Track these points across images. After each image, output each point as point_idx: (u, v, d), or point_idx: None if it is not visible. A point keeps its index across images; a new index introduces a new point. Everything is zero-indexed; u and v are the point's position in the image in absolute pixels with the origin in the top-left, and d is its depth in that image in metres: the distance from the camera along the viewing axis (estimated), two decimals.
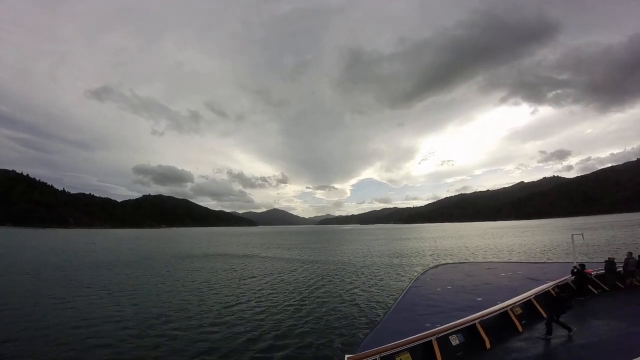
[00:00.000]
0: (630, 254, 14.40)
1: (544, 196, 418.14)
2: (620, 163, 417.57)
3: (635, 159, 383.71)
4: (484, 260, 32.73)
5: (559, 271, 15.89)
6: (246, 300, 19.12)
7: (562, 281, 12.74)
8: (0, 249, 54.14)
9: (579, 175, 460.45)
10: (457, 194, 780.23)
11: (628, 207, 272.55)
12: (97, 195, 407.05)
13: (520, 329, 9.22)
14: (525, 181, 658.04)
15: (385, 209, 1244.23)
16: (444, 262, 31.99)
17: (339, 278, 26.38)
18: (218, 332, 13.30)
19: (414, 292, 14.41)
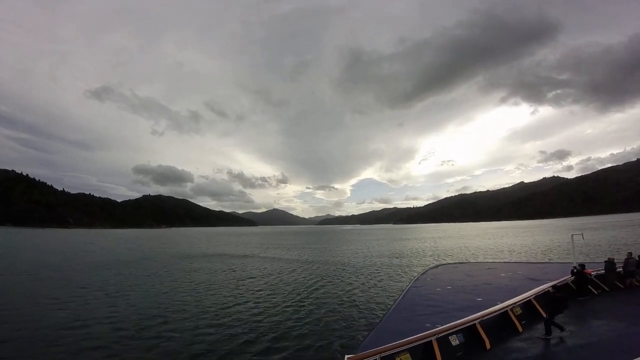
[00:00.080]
0: (630, 254, 14.40)
1: (544, 196, 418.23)
2: (620, 163, 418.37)
3: (635, 159, 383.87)
4: (484, 261, 32.60)
5: (559, 271, 15.85)
6: (244, 301, 18.92)
7: (561, 281, 12.69)
8: None
9: (579, 175, 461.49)
10: (457, 194, 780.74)
11: (628, 207, 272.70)
12: (97, 195, 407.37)
13: (520, 329, 9.20)
14: (526, 181, 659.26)
15: (385, 209, 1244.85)
16: (444, 262, 31.85)
17: (339, 279, 26.20)
18: (215, 334, 13.09)
19: (414, 292, 14.35)
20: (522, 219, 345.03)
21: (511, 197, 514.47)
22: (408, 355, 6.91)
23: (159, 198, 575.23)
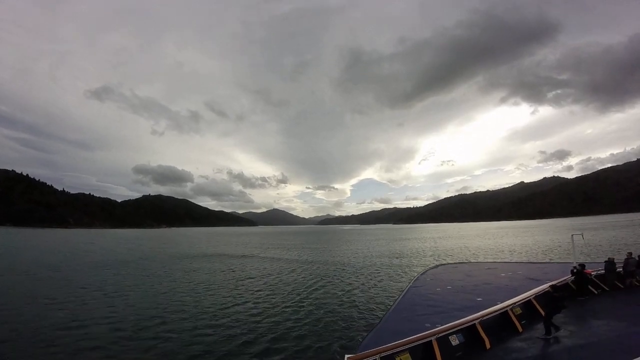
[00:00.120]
0: (630, 254, 14.39)
1: (544, 196, 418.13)
2: (620, 163, 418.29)
3: (635, 159, 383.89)
4: (484, 261, 32.53)
5: (559, 271, 15.82)
6: (243, 301, 18.81)
7: (561, 281, 12.67)
8: None
9: (579, 175, 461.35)
10: (457, 194, 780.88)
11: (628, 207, 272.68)
12: (97, 195, 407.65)
13: (520, 329, 9.20)
14: (526, 181, 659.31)
15: (385, 209, 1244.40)
16: (444, 262, 31.77)
17: (339, 279, 26.10)
18: (213, 335, 12.99)
19: (413, 292, 14.31)
20: (522, 219, 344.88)
21: (511, 197, 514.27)
22: (408, 355, 6.90)
23: (159, 198, 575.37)
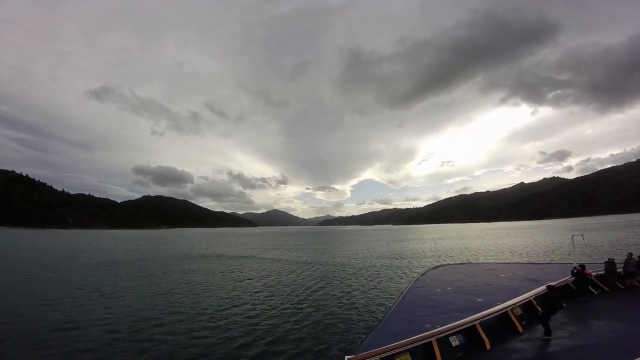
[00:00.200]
0: (630, 254, 14.38)
1: (544, 197, 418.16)
2: (620, 164, 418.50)
3: (635, 159, 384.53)
4: (484, 262, 32.36)
5: (559, 272, 15.78)
6: (242, 303, 18.60)
7: (560, 282, 12.64)
8: None
9: (579, 176, 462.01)
10: (457, 194, 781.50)
11: (628, 208, 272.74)
12: (97, 196, 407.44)
13: (520, 329, 9.18)
14: (525, 182, 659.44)
15: (385, 209, 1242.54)
16: (444, 263, 31.59)
17: (338, 280, 25.90)
18: (210, 337, 12.78)
19: (413, 293, 14.20)
20: (522, 220, 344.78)
21: (511, 197, 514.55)
22: (408, 356, 6.89)
23: (158, 199, 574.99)
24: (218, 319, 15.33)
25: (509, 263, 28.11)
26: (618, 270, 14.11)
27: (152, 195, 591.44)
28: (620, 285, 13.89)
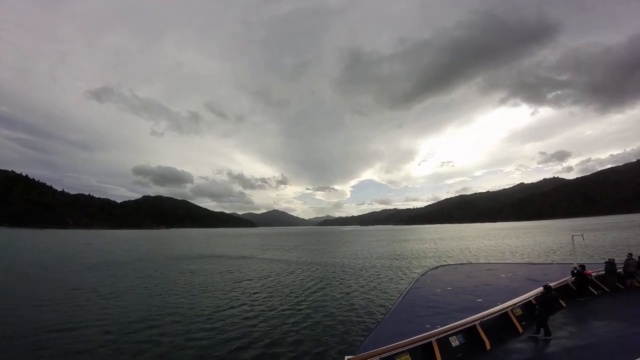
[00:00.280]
0: (630, 255, 14.40)
1: (544, 197, 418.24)
2: (620, 164, 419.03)
3: (635, 160, 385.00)
4: (484, 262, 32.21)
5: (559, 272, 15.76)
6: (240, 304, 18.38)
7: (560, 282, 12.61)
8: None
9: (579, 176, 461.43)
10: (457, 195, 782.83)
11: (628, 208, 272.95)
12: (97, 196, 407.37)
13: (520, 330, 9.18)
14: (526, 182, 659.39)
15: (385, 210, 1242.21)
16: (444, 263, 31.44)
17: (338, 281, 25.69)
18: (207, 339, 12.57)
19: (413, 294, 14.12)
20: (522, 220, 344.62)
21: (511, 198, 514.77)
22: (408, 356, 6.89)
23: (158, 199, 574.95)
24: (215, 320, 15.12)
25: (509, 263, 28.00)
26: (618, 270, 14.13)
27: (151, 195, 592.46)
28: (620, 286, 13.92)
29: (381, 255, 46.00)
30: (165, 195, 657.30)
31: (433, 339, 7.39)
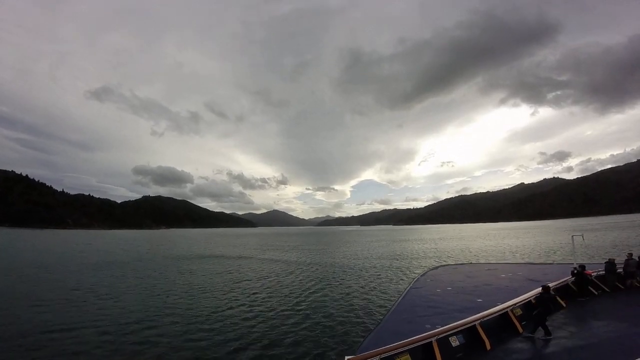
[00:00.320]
0: (630, 255, 14.38)
1: (544, 197, 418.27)
2: (620, 164, 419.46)
3: (635, 160, 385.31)
4: (484, 262, 32.14)
5: (559, 272, 15.73)
6: (238, 304, 18.25)
7: (558, 283, 12.59)
8: None
9: (579, 176, 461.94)
10: (457, 195, 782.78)
11: (628, 208, 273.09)
12: (97, 196, 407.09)
13: (520, 330, 9.16)
14: (526, 182, 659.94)
15: (385, 210, 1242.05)
16: (444, 263, 31.37)
17: (338, 281, 25.58)
18: (205, 340, 12.45)
19: (414, 294, 14.10)
20: (522, 220, 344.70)
21: (511, 198, 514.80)
22: (408, 356, 6.89)
23: (158, 199, 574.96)
24: (214, 321, 15.00)
25: (509, 263, 27.95)
26: (618, 270, 14.13)
27: (151, 195, 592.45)
28: (620, 286, 13.91)
29: (381, 255, 45.89)
30: (165, 195, 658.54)
31: (433, 339, 7.38)
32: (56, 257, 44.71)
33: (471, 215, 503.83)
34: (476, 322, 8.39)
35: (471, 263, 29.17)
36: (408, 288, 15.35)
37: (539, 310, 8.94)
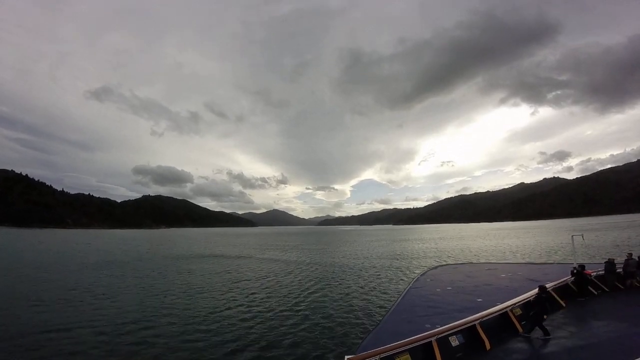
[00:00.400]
0: (630, 254, 14.41)
1: (544, 197, 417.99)
2: (620, 164, 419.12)
3: (635, 160, 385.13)
4: (484, 262, 32.08)
5: (559, 272, 15.73)
6: (237, 305, 18.13)
7: (557, 283, 12.58)
8: None
9: (579, 176, 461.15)
10: (457, 195, 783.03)
11: (628, 208, 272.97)
12: (97, 196, 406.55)
13: (520, 329, 9.18)
14: (526, 182, 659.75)
15: (385, 210, 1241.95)
16: (444, 263, 31.29)
17: (338, 281, 25.47)
18: (202, 340, 12.33)
19: (413, 293, 14.10)
20: (522, 220, 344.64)
21: (511, 198, 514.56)
22: (408, 356, 6.91)
23: (158, 199, 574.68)
24: (212, 321, 14.88)
25: (509, 263, 27.91)
26: (618, 270, 14.16)
27: (151, 195, 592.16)
28: (620, 286, 13.90)
29: (381, 255, 45.80)
30: (165, 195, 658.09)
31: (433, 339, 7.38)
32: (56, 256, 44.62)
33: (471, 215, 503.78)
34: (476, 322, 8.38)
35: (471, 263, 29.11)
36: (408, 288, 15.33)
37: (535, 311, 8.96)
